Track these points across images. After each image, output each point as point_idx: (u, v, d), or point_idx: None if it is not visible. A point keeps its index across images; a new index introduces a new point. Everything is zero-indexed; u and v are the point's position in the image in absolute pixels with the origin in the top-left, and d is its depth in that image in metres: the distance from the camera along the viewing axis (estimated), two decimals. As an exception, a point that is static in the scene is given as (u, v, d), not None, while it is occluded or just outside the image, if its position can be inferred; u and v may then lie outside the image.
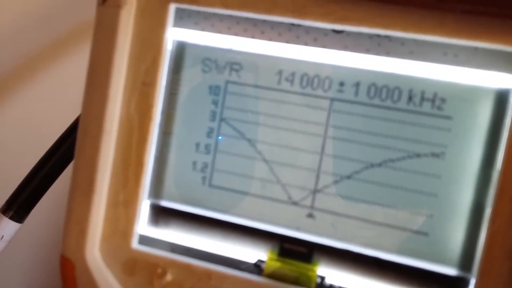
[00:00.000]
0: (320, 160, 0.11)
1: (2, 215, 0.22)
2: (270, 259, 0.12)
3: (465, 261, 0.11)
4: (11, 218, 0.22)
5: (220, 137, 0.12)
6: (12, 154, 0.29)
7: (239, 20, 0.12)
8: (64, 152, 0.20)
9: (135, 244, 0.12)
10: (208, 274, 0.12)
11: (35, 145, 0.22)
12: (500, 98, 0.10)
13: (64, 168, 0.20)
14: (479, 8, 0.10)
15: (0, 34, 0.28)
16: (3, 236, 0.23)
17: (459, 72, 0.10)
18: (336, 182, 0.11)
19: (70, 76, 0.28)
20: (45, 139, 0.21)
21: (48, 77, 0.29)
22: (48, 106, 0.28)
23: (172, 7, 0.12)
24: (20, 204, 0.22)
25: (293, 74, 0.11)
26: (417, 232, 0.11)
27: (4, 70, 0.29)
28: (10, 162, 0.28)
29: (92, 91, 0.12)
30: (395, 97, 0.11)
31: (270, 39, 0.11)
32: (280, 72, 0.11)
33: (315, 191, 0.11)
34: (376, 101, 0.11)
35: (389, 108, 0.11)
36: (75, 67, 0.28)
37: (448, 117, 0.11)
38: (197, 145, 0.12)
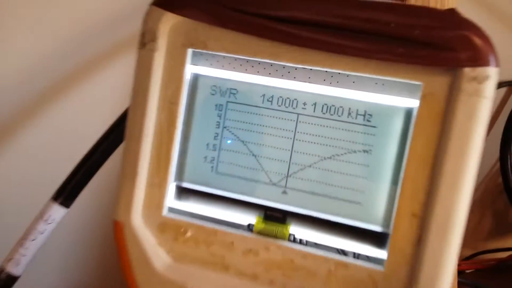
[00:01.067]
0: (291, 155, 0.17)
1: (53, 201, 0.28)
2: (258, 222, 0.17)
3: (385, 221, 0.16)
4: (61, 204, 0.28)
5: (228, 141, 0.17)
6: (60, 152, 0.34)
7: (236, 59, 0.17)
8: (104, 148, 0.25)
9: (165, 212, 0.18)
10: (215, 231, 0.17)
11: (78, 145, 0.28)
12: (408, 113, 0.16)
13: (105, 161, 0.26)
14: (388, 56, 0.15)
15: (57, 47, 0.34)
16: (54, 219, 0.28)
17: (381, 96, 0.16)
18: (301, 169, 0.17)
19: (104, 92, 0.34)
20: (87, 140, 0.27)
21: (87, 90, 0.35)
22: (91, 112, 0.33)
23: (189, 51, 0.17)
24: (68, 192, 0.28)
25: (272, 97, 0.17)
26: (354, 202, 0.16)
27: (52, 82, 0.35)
28: (60, 159, 0.33)
29: (135, 107, 0.17)
30: (339, 113, 0.16)
31: (257, 73, 0.17)
32: (263, 95, 0.17)
33: (287, 176, 0.17)
34: (327, 115, 0.16)
35: (335, 120, 0.16)
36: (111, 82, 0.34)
37: (374, 126, 0.16)
38: (207, 144, 0.17)
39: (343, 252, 0.16)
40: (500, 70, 0.15)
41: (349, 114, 0.16)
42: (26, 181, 0.36)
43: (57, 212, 0.28)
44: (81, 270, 0.41)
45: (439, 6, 0.23)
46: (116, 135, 0.24)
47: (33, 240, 0.27)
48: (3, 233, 0.29)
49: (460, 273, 0.56)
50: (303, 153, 0.16)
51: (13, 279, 0.27)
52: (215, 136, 0.17)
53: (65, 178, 0.27)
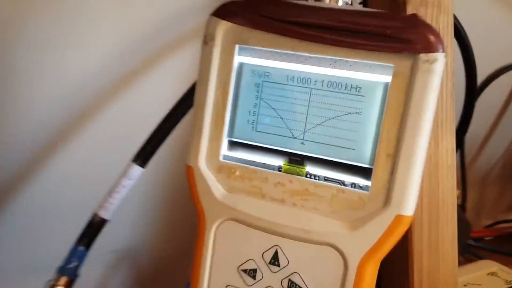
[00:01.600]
0: (306, 117, 0.24)
1: (133, 163, 0.37)
2: (284, 164, 0.25)
3: (370, 160, 0.23)
4: (139, 165, 0.36)
5: (263, 108, 0.25)
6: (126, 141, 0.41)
7: (268, 51, 0.25)
8: (175, 116, 0.34)
9: (221, 158, 0.26)
10: (255, 171, 0.25)
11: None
12: (385, 86, 0.23)
13: (174, 128, 0.34)
14: (371, 48, 0.22)
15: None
16: (133, 177, 0.37)
17: (367, 75, 0.23)
18: (313, 127, 0.24)
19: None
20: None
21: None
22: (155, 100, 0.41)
23: (237, 46, 0.25)
24: (146, 154, 0.36)
25: (293, 77, 0.24)
26: (350, 148, 0.24)
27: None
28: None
29: (200, 85, 0.25)
30: (339, 87, 0.24)
31: (283, 60, 0.24)
32: (287, 76, 0.24)
33: (304, 131, 0.24)
34: (331, 89, 0.24)
35: (336, 92, 0.24)
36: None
37: (363, 95, 0.23)
38: (249, 111, 0.25)
39: (342, 183, 0.24)
40: None
41: (346, 87, 0.23)
42: (101, 164, 0.44)
43: (136, 171, 0.36)
44: (149, 226, 0.50)
45: (436, 7, 0.30)
46: (184, 106, 0.32)
47: (117, 192, 0.36)
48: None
49: (480, 239, 0.62)
50: (315, 115, 0.24)
51: (104, 221, 0.36)
52: (254, 105, 0.25)
53: (142, 144, 0.36)
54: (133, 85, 0.43)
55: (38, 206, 0.44)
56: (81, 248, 0.35)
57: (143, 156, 0.36)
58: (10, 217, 0.43)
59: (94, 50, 0.41)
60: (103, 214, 0.36)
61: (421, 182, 0.23)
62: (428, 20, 0.30)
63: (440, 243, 0.32)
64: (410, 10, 0.29)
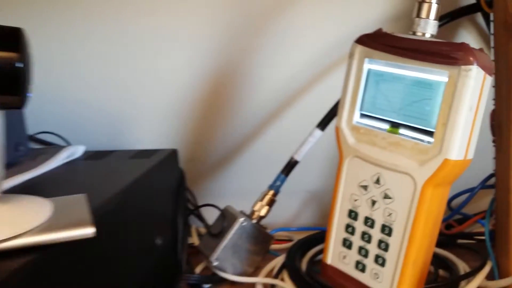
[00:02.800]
0: (401, 100, 0.42)
1: (316, 128, 0.59)
2: (388, 128, 0.43)
3: (435, 128, 0.40)
4: (320, 129, 0.59)
5: (381, 101, 0.44)
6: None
7: (383, 62, 0.43)
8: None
9: (354, 122, 0.45)
10: (372, 130, 0.44)
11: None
12: (443, 84, 0.39)
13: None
14: (439, 61, 0.39)
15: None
16: (314, 137, 0.59)
17: (434, 77, 0.40)
18: (405, 106, 0.42)
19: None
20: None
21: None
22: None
23: (366, 59, 0.44)
24: (324, 122, 0.58)
25: (396, 77, 0.42)
26: (423, 119, 0.41)
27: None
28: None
29: (346, 81, 0.46)
30: (420, 83, 0.41)
31: (392, 67, 0.43)
32: (393, 76, 0.43)
33: (399, 109, 0.42)
34: (415, 84, 0.41)
35: (418, 86, 0.41)
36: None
37: (432, 89, 0.40)
38: (371, 96, 0.44)
39: (417, 139, 0.41)
40: None
41: (423, 84, 0.40)
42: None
43: (318, 133, 0.59)
44: (332, 174, 0.72)
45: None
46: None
47: (305, 145, 0.59)
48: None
49: None
50: (406, 99, 0.42)
51: (296, 162, 0.59)
52: (374, 93, 0.44)
53: (323, 117, 0.58)
54: (319, 84, 0.66)
55: (261, 153, 0.70)
56: (283, 175, 0.59)
57: (323, 124, 0.58)
58: (243, 160, 0.71)
59: (297, 56, 0.65)
60: (296, 157, 0.59)
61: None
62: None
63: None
64: None
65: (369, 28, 0.45)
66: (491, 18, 0.51)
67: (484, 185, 0.56)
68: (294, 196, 0.73)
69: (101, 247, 0.38)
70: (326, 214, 0.74)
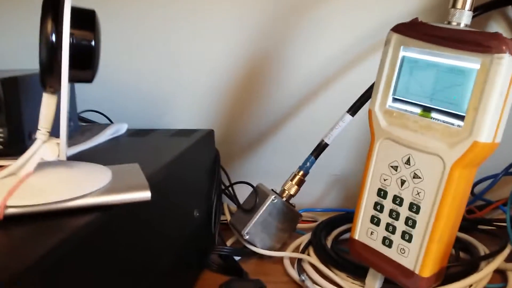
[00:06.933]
0: (434, 86, 0.45)
1: (347, 113, 0.62)
2: (420, 111, 0.46)
3: (465, 112, 0.42)
4: (351, 114, 0.61)
5: (414, 86, 0.46)
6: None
7: (418, 50, 0.46)
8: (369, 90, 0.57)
9: (387, 106, 0.48)
10: (404, 114, 0.46)
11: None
12: (475, 71, 0.42)
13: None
14: (473, 49, 0.41)
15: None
16: (344, 121, 0.62)
17: (467, 63, 0.42)
18: (437, 92, 0.44)
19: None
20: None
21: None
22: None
23: (401, 47, 0.47)
24: (355, 108, 0.61)
25: (430, 64, 0.45)
26: (454, 104, 0.43)
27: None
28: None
29: (381, 67, 0.48)
30: (452, 70, 0.43)
31: (426, 54, 0.45)
32: (427, 63, 0.45)
33: (432, 94, 0.45)
34: (448, 71, 0.44)
35: (451, 72, 0.43)
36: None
37: (464, 76, 0.42)
38: (405, 81, 0.47)
39: (448, 122, 0.44)
40: None
41: (456, 70, 0.43)
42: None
43: (348, 118, 0.61)
44: (358, 159, 0.75)
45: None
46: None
47: (335, 129, 0.62)
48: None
49: None
50: (438, 85, 0.44)
51: (326, 145, 0.62)
52: (407, 78, 0.47)
53: (354, 103, 0.60)
54: (350, 72, 0.69)
55: (292, 136, 0.73)
56: (312, 158, 0.62)
57: (353, 109, 0.61)
58: (275, 142, 0.74)
59: (329, 44, 0.68)
60: (327, 140, 0.62)
61: None
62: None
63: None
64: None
65: (401, 19, 0.48)
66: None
67: (507, 172, 0.58)
68: (320, 179, 0.75)
69: (151, 213, 0.42)
70: (350, 196, 0.77)
